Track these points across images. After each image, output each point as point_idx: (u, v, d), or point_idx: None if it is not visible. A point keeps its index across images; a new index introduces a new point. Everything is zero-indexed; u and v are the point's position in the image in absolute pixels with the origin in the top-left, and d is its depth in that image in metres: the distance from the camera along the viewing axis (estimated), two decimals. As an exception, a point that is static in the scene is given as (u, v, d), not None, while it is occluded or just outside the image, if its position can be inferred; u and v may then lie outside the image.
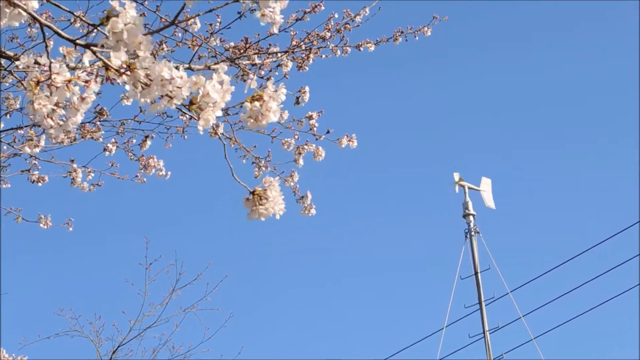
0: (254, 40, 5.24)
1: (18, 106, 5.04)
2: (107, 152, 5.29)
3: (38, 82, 1.82)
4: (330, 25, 5.50)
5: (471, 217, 14.23)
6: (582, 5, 23.83)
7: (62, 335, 11.74)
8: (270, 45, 5.30)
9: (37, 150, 4.89)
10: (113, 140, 5.13)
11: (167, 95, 1.86)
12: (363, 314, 19.94)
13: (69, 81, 1.84)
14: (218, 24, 5.15)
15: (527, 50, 23.45)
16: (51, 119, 1.83)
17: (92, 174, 5.39)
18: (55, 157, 5.20)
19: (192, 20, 5.08)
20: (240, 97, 2.14)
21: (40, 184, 5.17)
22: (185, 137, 5.40)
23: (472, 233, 14.06)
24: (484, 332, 13.20)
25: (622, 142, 22.09)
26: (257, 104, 1.97)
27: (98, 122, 4.99)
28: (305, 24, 5.37)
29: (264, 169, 5.20)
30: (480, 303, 13.45)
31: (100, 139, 5.11)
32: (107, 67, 1.89)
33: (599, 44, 23.63)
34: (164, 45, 5.15)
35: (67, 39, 1.98)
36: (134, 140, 5.19)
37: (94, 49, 1.94)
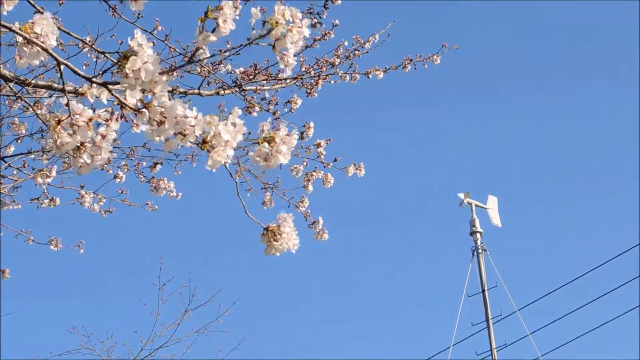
0: (263, 66, 5.28)
1: (27, 132, 5.09)
2: (118, 180, 5.32)
3: (59, 122, 1.86)
4: (339, 52, 5.53)
5: (478, 235, 14.21)
6: (589, 37, 23.91)
7: (74, 353, 11.76)
8: (279, 71, 5.33)
9: (48, 180, 4.92)
10: (123, 163, 5.17)
11: (180, 133, 1.89)
12: (370, 331, 19.96)
13: (90, 120, 1.88)
14: (227, 51, 5.18)
15: (529, 70, 23.53)
16: (80, 157, 1.87)
17: (103, 201, 5.43)
18: (65, 182, 5.24)
19: (202, 50, 5.11)
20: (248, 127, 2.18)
21: (52, 206, 5.22)
22: (194, 164, 5.41)
23: (479, 251, 14.05)
24: (491, 350, 13.18)
25: (628, 159, 22.14)
26: (266, 145, 2.02)
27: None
28: (315, 50, 5.41)
29: (271, 194, 5.22)
30: (487, 321, 13.44)
31: (110, 170, 5.16)
32: (122, 105, 1.93)
33: (603, 65, 23.71)
34: (174, 72, 5.19)
35: (84, 77, 2.02)
36: (144, 163, 5.23)
37: (110, 87, 1.98)
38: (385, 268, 21.21)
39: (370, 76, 5.70)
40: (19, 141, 5.12)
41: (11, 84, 4.31)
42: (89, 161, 1.88)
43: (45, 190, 5.05)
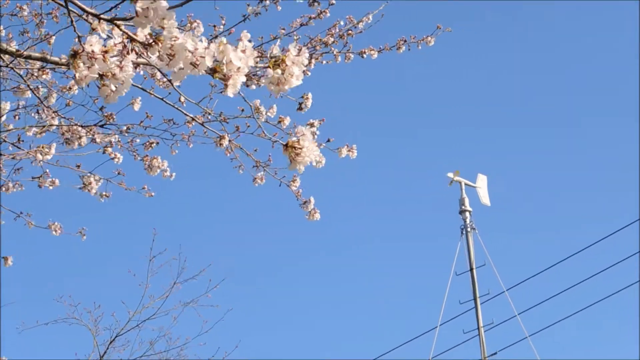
0: (256, 43, 5.29)
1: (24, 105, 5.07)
2: (116, 160, 5.31)
3: (75, 54, 1.88)
4: (333, 32, 5.56)
5: (467, 214, 14.20)
6: (582, 6, 23.98)
7: (60, 322, 11.77)
8: (272, 48, 5.33)
9: (48, 157, 4.90)
10: (117, 139, 5.14)
11: (191, 64, 1.92)
12: (358, 310, 20.01)
13: (106, 52, 1.90)
14: (222, 26, 5.20)
15: (523, 47, 23.62)
16: (105, 85, 1.88)
17: (100, 182, 5.42)
18: (60, 162, 5.22)
19: (196, 24, 5.12)
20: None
21: (51, 188, 5.21)
22: (191, 145, 5.38)
23: (468, 229, 14.04)
24: (478, 329, 13.18)
25: (622, 138, 22.23)
26: (278, 70, 2.04)
27: (100, 127, 5.00)
28: (309, 29, 5.43)
29: (264, 172, 5.23)
30: (475, 300, 13.42)
31: (109, 149, 5.14)
32: (132, 40, 1.96)
33: (596, 42, 23.79)
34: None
35: (92, 14, 2.04)
36: (138, 140, 5.20)
37: (118, 22, 2.01)
38: (373, 247, 21.25)
39: (365, 56, 5.73)
40: (16, 117, 5.10)
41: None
42: (114, 89, 1.90)
43: (47, 170, 5.02)
